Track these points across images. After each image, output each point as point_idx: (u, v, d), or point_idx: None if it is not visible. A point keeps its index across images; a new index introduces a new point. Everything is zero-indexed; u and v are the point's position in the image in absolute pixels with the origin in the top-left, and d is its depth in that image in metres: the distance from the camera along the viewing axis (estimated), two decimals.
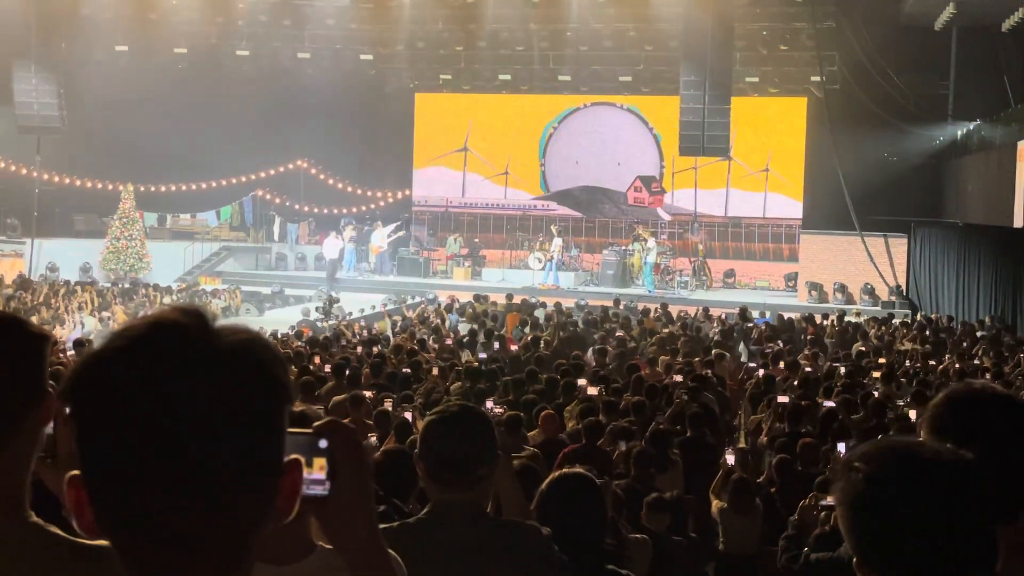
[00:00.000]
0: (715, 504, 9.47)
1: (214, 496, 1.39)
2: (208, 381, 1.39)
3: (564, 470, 4.58)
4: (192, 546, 1.40)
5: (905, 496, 1.93)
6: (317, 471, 1.81)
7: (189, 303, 1.50)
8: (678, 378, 15.34)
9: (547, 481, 4.49)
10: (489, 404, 12.10)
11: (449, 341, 19.96)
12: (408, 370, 15.44)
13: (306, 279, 36.33)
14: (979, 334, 24.04)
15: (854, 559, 2.02)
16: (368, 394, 13.25)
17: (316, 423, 1.83)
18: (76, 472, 1.42)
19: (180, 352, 1.40)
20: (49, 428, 2.39)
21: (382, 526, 3.65)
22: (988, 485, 1.98)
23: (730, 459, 10.03)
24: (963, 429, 2.41)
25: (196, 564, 1.41)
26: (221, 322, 1.47)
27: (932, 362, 18.85)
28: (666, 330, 23.10)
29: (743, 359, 20.32)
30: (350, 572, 1.95)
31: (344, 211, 39.58)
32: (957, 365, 17.80)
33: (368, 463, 1.92)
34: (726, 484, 9.64)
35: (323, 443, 1.80)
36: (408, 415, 10.72)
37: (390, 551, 2.63)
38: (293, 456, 1.53)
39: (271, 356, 1.47)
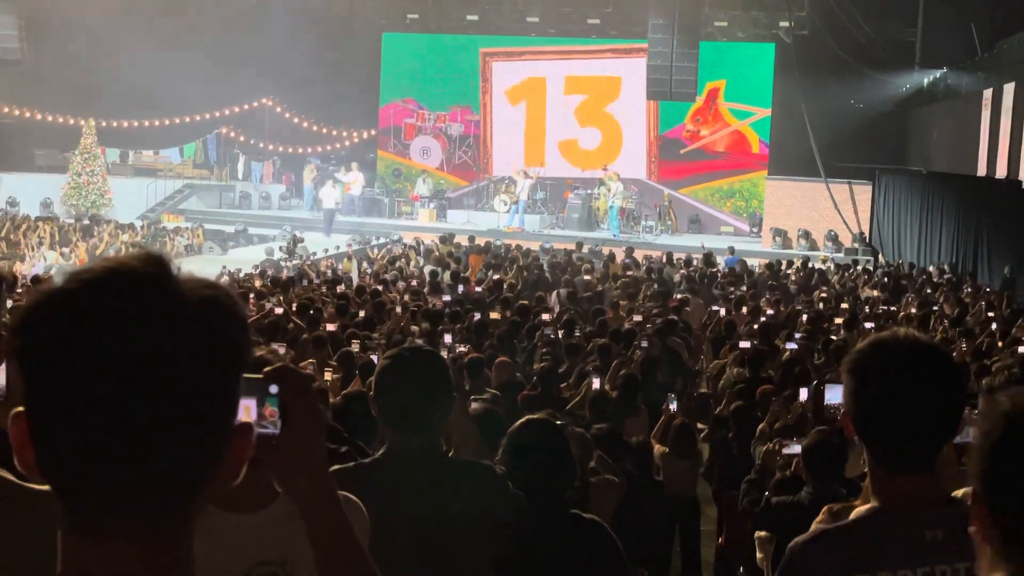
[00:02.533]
0: (657, 449, 9.55)
1: (153, 451, 1.35)
2: (161, 335, 1.35)
3: (528, 416, 4.57)
4: (129, 497, 1.37)
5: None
6: (268, 416, 1.80)
7: (153, 250, 1.45)
8: (638, 318, 15.39)
9: (511, 428, 4.48)
10: (448, 339, 12.10)
11: (415, 282, 19.93)
12: (370, 310, 15.40)
13: (270, 218, 36.12)
14: (935, 280, 24.27)
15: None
16: (331, 328, 13.26)
17: (267, 368, 1.82)
18: (22, 408, 1.39)
19: (134, 301, 1.36)
20: (1, 368, 2.34)
21: (339, 467, 3.66)
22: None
23: (673, 406, 10.11)
24: (884, 372, 2.56)
25: (132, 515, 1.38)
26: (187, 274, 1.43)
27: (893, 308, 19.00)
28: (630, 272, 23.20)
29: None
30: (302, 517, 1.94)
31: (309, 150, 39.36)
32: (913, 310, 17.97)
33: (319, 409, 1.91)
34: (668, 429, 9.73)
35: (274, 388, 1.80)
36: (374, 357, 10.70)
37: (349, 494, 2.63)
38: (244, 421, 1.49)
39: (233, 317, 1.43)
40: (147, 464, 1.35)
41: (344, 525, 1.96)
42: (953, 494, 2.68)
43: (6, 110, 35.52)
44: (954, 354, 13.08)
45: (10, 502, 2.10)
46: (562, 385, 10.89)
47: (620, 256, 25.95)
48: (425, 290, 18.85)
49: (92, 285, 1.37)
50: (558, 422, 4.85)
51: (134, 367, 1.33)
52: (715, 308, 17.92)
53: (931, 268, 27.31)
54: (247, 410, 1.74)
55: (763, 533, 6.97)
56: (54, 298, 1.37)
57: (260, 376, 1.79)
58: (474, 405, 6.02)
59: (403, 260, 25.43)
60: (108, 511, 1.37)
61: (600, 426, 8.22)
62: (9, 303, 12.56)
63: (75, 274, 1.40)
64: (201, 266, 24.08)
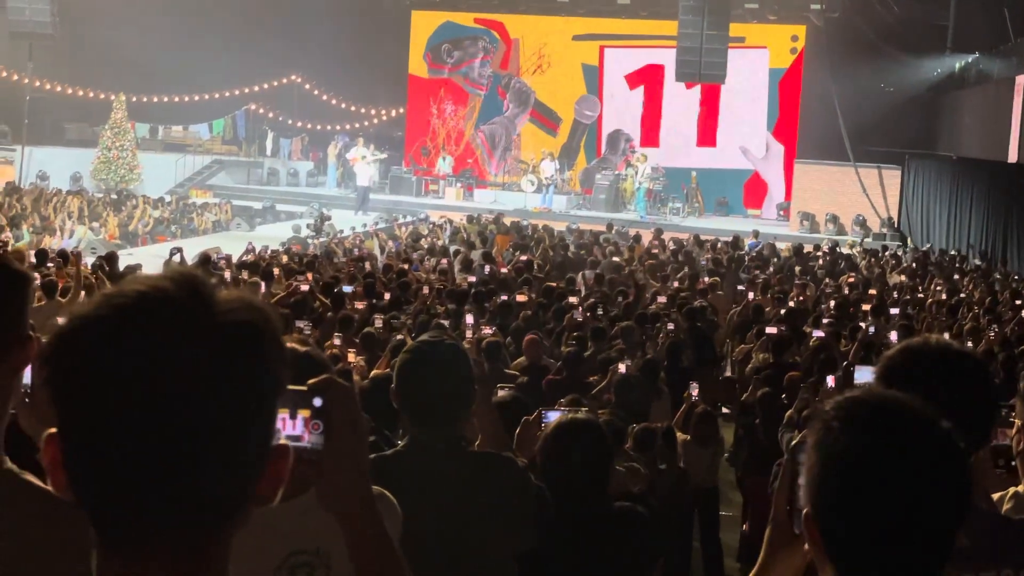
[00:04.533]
0: (679, 437, 9.54)
1: (186, 477, 1.34)
2: (194, 360, 1.33)
3: (568, 417, 4.53)
4: (163, 522, 1.36)
5: (890, 461, 1.77)
6: (311, 429, 1.75)
7: (189, 271, 1.41)
8: (662, 300, 15.36)
9: (550, 429, 4.44)
10: (469, 319, 12.09)
11: (444, 262, 19.93)
12: (396, 289, 15.39)
13: (298, 195, 36.14)
14: (960, 265, 24.12)
15: (804, 511, 1.84)
16: (360, 305, 13.28)
17: (311, 381, 1.78)
18: (54, 431, 1.37)
19: (166, 326, 1.34)
20: (27, 374, 2.29)
21: None
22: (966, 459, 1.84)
23: (694, 392, 10.07)
24: (916, 380, 2.41)
25: (166, 539, 1.37)
26: (224, 295, 1.40)
27: (921, 295, 18.89)
28: (655, 250, 23.20)
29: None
30: (343, 529, 1.90)
31: (337, 127, 39.34)
32: (943, 296, 17.85)
33: (364, 422, 1.87)
34: (690, 417, 9.70)
35: (318, 401, 1.75)
36: (400, 336, 10.70)
37: (384, 491, 2.64)
38: (282, 443, 1.47)
39: (269, 341, 1.41)
40: (180, 490, 1.34)
41: (385, 538, 1.94)
42: (992, 496, 2.65)
43: (37, 84, 35.60)
44: (982, 342, 13.02)
45: (40, 508, 2.07)
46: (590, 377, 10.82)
47: (647, 238, 25.87)
48: (457, 268, 18.86)
49: (124, 311, 1.35)
50: (585, 411, 4.83)
51: (166, 394, 1.32)
52: (741, 288, 17.87)
53: (952, 252, 27.17)
54: (282, 422, 1.71)
55: None
56: (85, 325, 1.35)
57: (303, 388, 1.75)
58: (500, 392, 6.00)
59: (431, 238, 25.41)
60: (141, 535, 1.36)
61: (623, 414, 8.21)
62: (37, 278, 12.60)
63: (107, 298, 1.37)
64: (228, 242, 24.14)
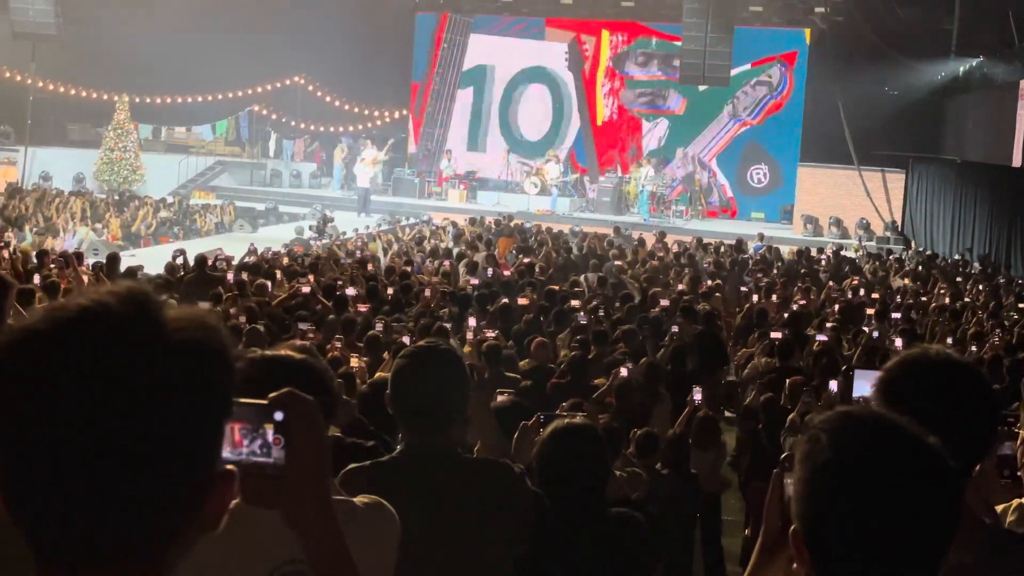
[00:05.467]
0: None
1: (123, 501, 1.30)
2: (134, 381, 1.29)
3: (564, 422, 4.50)
4: (100, 546, 1.32)
5: (878, 476, 1.78)
6: (273, 444, 1.72)
7: (137, 286, 1.37)
8: (665, 303, 15.35)
9: (547, 433, 4.42)
10: (472, 322, 12.05)
11: (447, 264, 19.91)
12: (398, 292, 15.37)
13: (300, 196, 36.11)
14: (961, 268, 24.10)
15: (792, 528, 1.85)
16: (363, 308, 13.25)
17: (272, 395, 1.74)
18: None
19: (105, 344, 1.30)
20: None
21: (355, 465, 3.63)
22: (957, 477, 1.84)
23: (697, 396, 10.03)
24: (916, 393, 2.40)
25: (103, 564, 1.33)
26: (174, 312, 1.36)
27: (924, 299, 18.85)
28: (659, 253, 23.18)
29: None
30: (303, 547, 1.86)
31: (341, 129, 39.33)
32: (947, 300, 17.82)
33: (325, 437, 1.84)
34: (692, 421, 9.67)
35: (279, 415, 1.72)
36: (405, 339, 10.67)
37: (383, 501, 2.60)
38: (228, 468, 1.43)
39: (218, 363, 1.38)
40: (117, 514, 1.31)
41: (344, 553, 1.90)
42: (996, 508, 2.61)
43: (40, 84, 35.61)
44: (986, 347, 12.98)
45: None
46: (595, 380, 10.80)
47: (650, 241, 25.83)
48: (462, 270, 18.81)
49: (63, 326, 1.32)
50: (583, 417, 4.80)
51: (104, 415, 1.28)
52: (744, 290, 17.83)
53: (956, 256, 27.16)
54: (246, 436, 1.68)
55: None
56: (22, 339, 1.32)
57: (264, 403, 1.71)
58: (500, 397, 5.97)
59: (434, 240, 25.37)
60: (78, 560, 1.33)
61: (625, 418, 8.18)
62: (37, 278, 12.59)
63: (48, 312, 1.34)
64: (231, 244, 24.11)
